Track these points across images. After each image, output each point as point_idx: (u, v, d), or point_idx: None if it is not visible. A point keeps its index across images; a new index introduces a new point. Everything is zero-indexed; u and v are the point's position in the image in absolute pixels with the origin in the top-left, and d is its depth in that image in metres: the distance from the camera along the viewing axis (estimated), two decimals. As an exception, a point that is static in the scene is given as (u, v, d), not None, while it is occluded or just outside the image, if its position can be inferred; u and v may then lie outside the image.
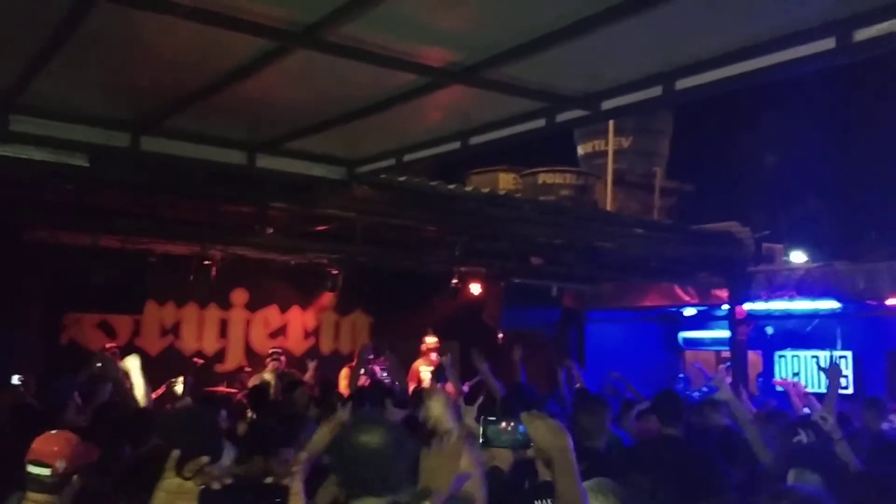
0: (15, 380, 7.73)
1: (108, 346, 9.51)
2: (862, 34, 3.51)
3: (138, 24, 3.75)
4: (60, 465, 3.27)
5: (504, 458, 3.99)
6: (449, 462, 2.27)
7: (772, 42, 3.74)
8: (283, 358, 10.48)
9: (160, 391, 8.46)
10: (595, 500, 2.58)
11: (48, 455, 3.29)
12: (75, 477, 3.31)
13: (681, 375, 12.35)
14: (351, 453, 2.48)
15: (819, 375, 10.72)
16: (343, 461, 2.51)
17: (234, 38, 3.80)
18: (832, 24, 3.54)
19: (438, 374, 9.80)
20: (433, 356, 11.32)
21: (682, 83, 4.18)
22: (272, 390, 8.49)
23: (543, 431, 2.33)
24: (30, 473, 3.29)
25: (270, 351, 10.70)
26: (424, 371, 11.19)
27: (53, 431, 3.49)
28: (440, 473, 2.25)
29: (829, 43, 3.60)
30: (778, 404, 8.02)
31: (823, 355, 11.11)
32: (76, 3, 3.51)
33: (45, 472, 3.26)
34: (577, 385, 8.53)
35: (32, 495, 3.27)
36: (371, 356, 8.92)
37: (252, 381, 9.53)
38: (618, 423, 6.58)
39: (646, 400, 7.27)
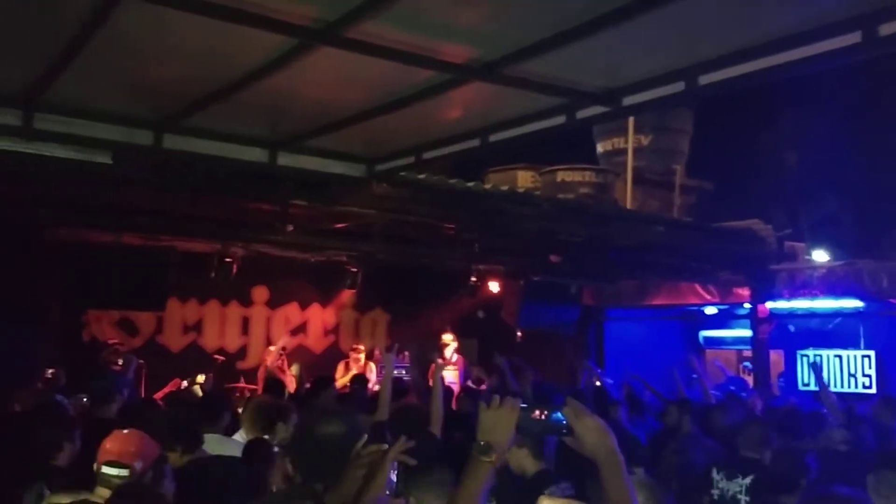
0: (48, 373, 7.84)
1: (111, 342, 9.67)
2: (888, 28, 3.46)
3: (161, 22, 3.77)
4: (138, 465, 3.18)
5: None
6: (507, 417, 2.31)
7: (797, 36, 3.69)
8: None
9: (168, 389, 8.54)
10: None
11: (127, 456, 3.18)
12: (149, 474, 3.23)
13: (694, 376, 12.17)
14: (313, 442, 2.79)
15: (843, 375, 10.74)
16: (305, 449, 2.84)
17: (256, 35, 3.82)
18: (858, 18, 3.50)
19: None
20: (454, 357, 11.32)
21: (706, 79, 4.14)
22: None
23: (593, 431, 2.26)
24: (105, 474, 3.17)
25: (273, 348, 10.80)
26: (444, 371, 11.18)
27: (125, 431, 3.32)
28: (499, 428, 2.31)
29: (854, 37, 3.55)
30: (799, 402, 7.96)
31: (846, 354, 11.02)
32: (100, 1, 3.53)
33: (124, 472, 3.15)
34: (597, 384, 8.51)
35: (103, 491, 3.13)
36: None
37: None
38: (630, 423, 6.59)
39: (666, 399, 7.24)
